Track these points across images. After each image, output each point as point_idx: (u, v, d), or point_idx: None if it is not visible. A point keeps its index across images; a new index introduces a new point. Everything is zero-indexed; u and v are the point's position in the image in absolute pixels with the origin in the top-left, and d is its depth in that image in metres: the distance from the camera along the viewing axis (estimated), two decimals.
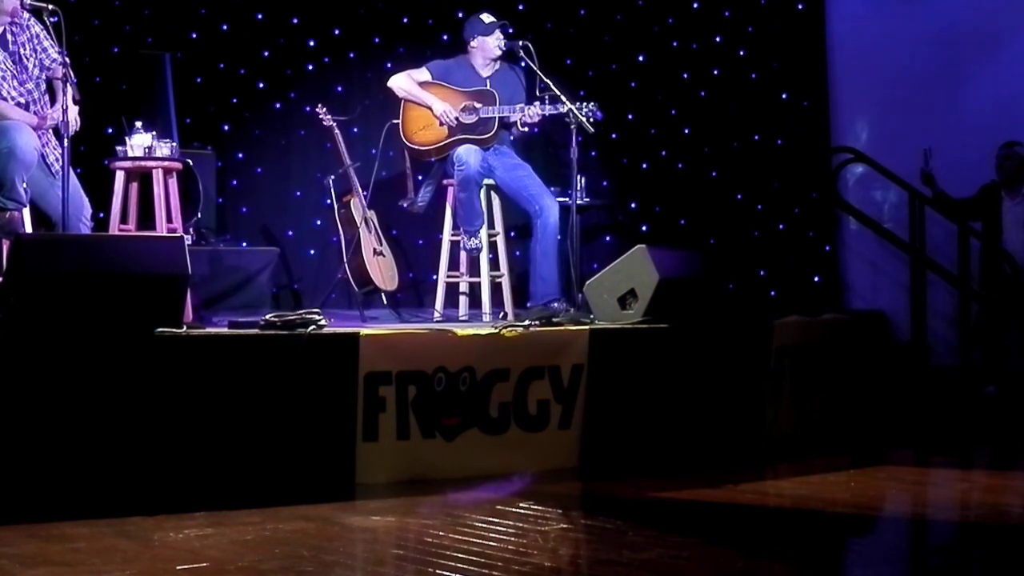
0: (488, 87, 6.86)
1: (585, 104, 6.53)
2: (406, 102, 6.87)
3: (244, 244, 8.27)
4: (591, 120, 6.51)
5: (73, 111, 5.55)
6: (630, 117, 9.13)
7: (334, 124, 7.24)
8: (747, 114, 9.28)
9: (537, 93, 6.76)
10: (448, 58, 7.06)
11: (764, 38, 9.31)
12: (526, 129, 6.81)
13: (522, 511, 4.85)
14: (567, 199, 6.93)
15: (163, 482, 4.86)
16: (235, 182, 8.51)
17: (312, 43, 8.64)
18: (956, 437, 7.16)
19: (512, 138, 6.95)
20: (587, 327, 5.93)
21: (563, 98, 6.50)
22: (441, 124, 6.78)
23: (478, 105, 6.78)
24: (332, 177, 7.22)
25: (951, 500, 5.57)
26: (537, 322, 5.87)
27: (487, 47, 6.87)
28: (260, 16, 8.49)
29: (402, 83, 6.87)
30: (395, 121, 6.91)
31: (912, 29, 9.03)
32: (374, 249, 7.12)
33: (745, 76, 9.30)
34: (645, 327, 6.11)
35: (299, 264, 8.52)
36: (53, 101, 5.78)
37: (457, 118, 6.77)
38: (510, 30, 6.95)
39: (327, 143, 7.52)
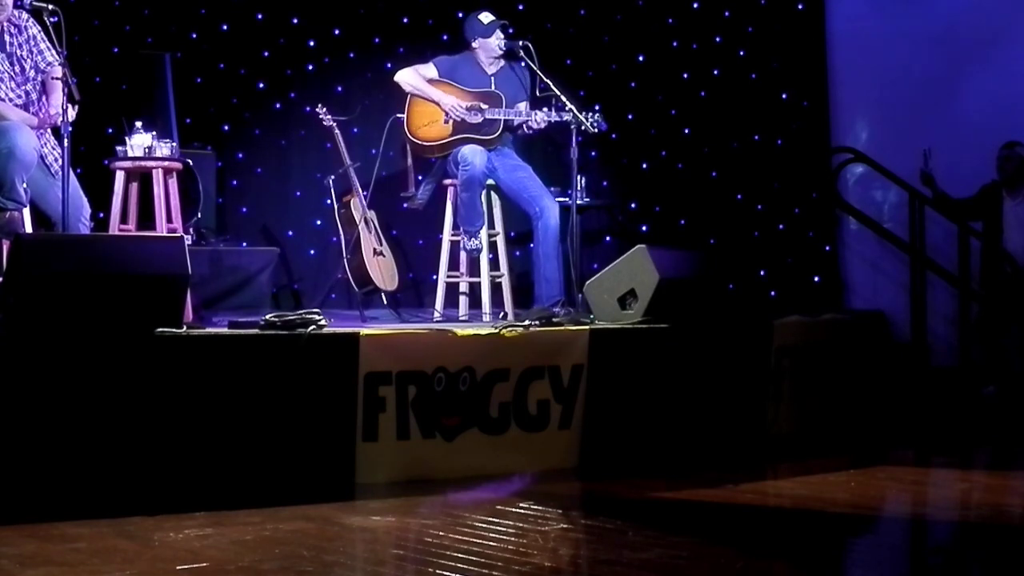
0: (493, 87, 6.86)
1: (591, 113, 6.55)
2: (412, 97, 6.86)
3: (244, 244, 8.27)
4: (595, 130, 6.55)
5: (71, 110, 5.54)
6: (630, 117, 9.12)
7: (334, 124, 7.24)
8: (747, 114, 9.28)
9: (537, 94, 6.76)
10: (454, 54, 7.06)
11: (764, 38, 9.31)
12: (531, 132, 6.82)
13: (522, 511, 4.85)
14: (567, 199, 6.93)
15: (163, 482, 4.86)
16: (235, 182, 8.52)
17: (312, 43, 8.64)
18: (956, 437, 7.15)
19: (512, 138, 6.96)
20: (587, 327, 5.93)
21: (569, 105, 6.51)
22: (447, 120, 6.78)
23: (484, 106, 6.78)
24: (332, 177, 7.22)
25: (951, 500, 5.57)
26: (537, 322, 5.87)
27: (488, 47, 6.88)
28: (260, 16, 8.49)
29: (409, 78, 6.86)
30: (399, 115, 6.92)
31: (912, 29, 9.02)
32: (374, 249, 7.12)
33: (745, 76, 9.30)
34: (645, 327, 6.11)
35: (299, 264, 8.52)
36: (51, 102, 5.78)
37: (463, 115, 6.77)
38: (510, 30, 6.95)
39: (327, 143, 7.52)
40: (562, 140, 7.38)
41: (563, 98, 6.54)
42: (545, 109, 6.71)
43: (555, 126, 6.76)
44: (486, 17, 6.89)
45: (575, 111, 6.51)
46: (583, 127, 6.51)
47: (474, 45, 6.92)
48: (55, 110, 5.58)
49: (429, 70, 6.89)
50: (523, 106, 6.84)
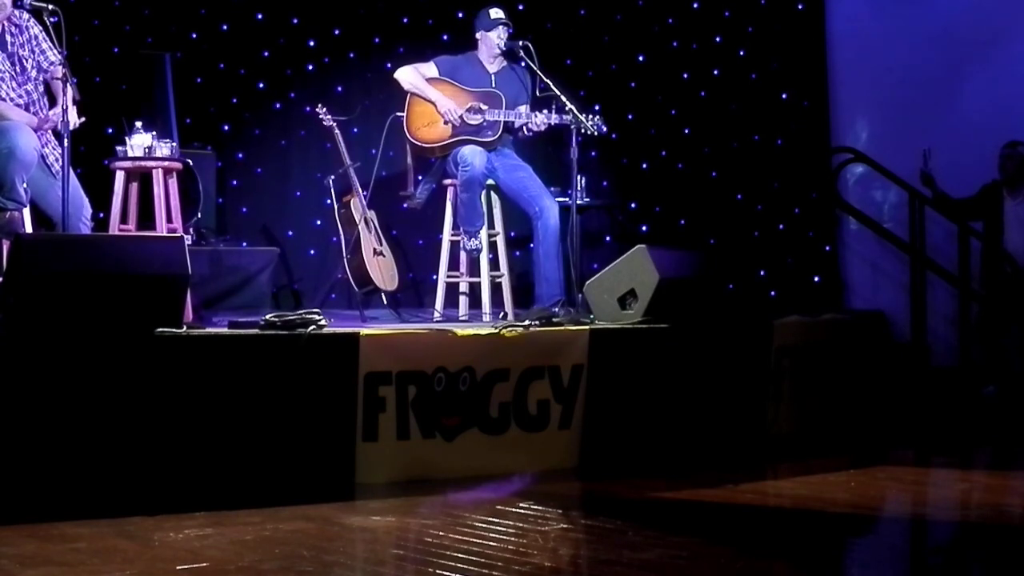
0: (493, 87, 6.86)
1: (591, 116, 6.56)
2: (412, 96, 6.86)
3: (244, 244, 8.27)
4: (595, 132, 6.56)
5: (73, 111, 5.55)
6: (630, 117, 9.13)
7: (334, 124, 7.23)
8: (747, 114, 9.28)
9: (538, 94, 6.76)
10: (456, 54, 7.06)
11: (764, 38, 9.31)
12: (531, 134, 6.82)
13: (522, 511, 4.85)
14: (567, 199, 6.93)
15: (163, 482, 4.86)
16: (235, 182, 8.52)
17: (312, 43, 8.65)
18: (956, 437, 7.15)
19: (512, 139, 6.96)
20: (587, 327, 5.93)
21: (570, 106, 6.51)
22: (447, 120, 6.78)
23: (484, 107, 6.78)
24: (332, 177, 7.22)
25: (951, 500, 5.57)
26: (537, 322, 5.87)
27: (489, 42, 6.89)
28: (260, 16, 8.50)
29: (408, 76, 6.86)
30: (399, 114, 6.92)
31: (912, 29, 9.03)
32: (374, 249, 7.12)
33: (745, 76, 9.30)
34: (645, 327, 6.11)
35: (299, 264, 8.52)
36: (52, 103, 5.78)
37: (461, 117, 6.77)
38: (511, 30, 6.96)
39: (327, 143, 7.52)
40: (562, 140, 7.37)
41: (563, 99, 6.54)
42: (545, 111, 6.71)
43: (555, 127, 6.76)
44: (495, 12, 6.92)
45: (575, 112, 6.51)
46: (583, 129, 6.52)
47: (477, 37, 6.94)
48: (59, 109, 5.57)
49: (430, 69, 6.90)
50: (524, 108, 6.83)
